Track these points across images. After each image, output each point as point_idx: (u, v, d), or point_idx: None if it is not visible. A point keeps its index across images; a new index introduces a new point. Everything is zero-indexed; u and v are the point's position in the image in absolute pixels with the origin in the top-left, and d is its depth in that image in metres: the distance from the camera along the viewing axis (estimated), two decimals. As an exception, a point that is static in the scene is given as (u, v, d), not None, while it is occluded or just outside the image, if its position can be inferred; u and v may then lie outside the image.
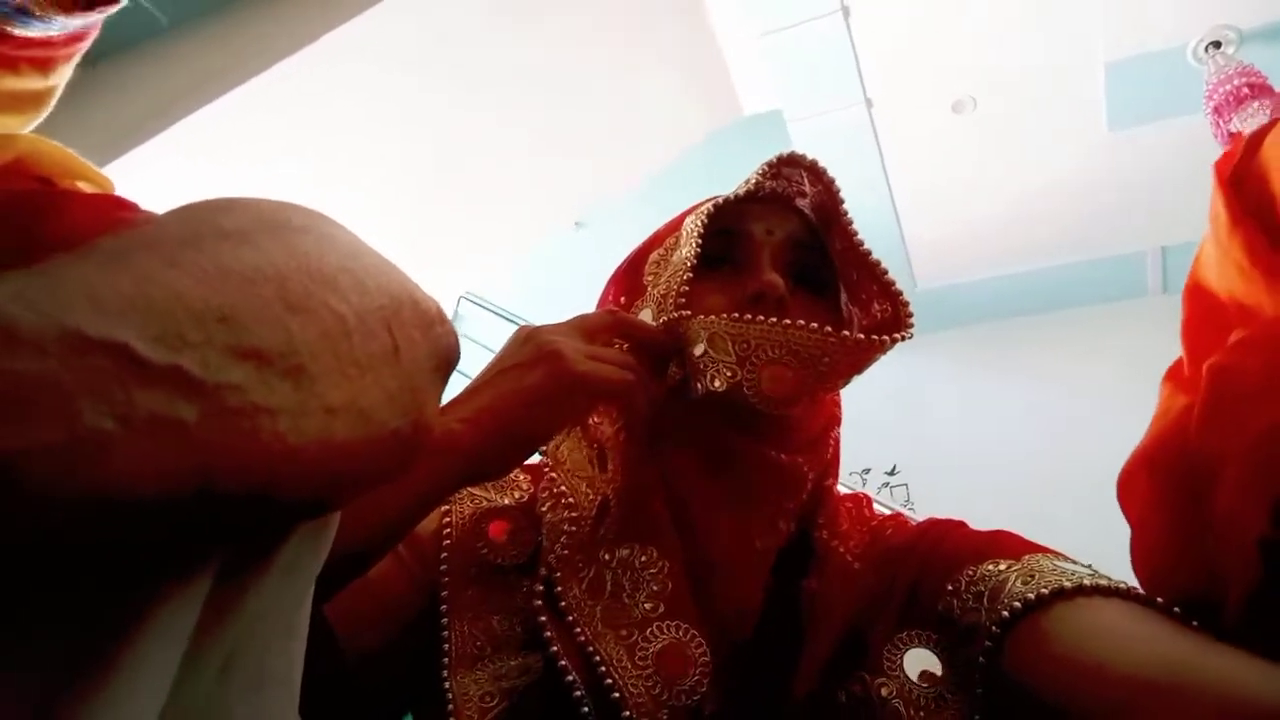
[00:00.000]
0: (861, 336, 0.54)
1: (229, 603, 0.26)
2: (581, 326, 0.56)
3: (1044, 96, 2.77)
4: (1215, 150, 2.30)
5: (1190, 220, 3.31)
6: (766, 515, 0.57)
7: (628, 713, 0.48)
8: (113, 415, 0.20)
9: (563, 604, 0.52)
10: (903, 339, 0.57)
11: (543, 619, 0.52)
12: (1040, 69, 2.67)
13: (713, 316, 0.56)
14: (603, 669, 0.50)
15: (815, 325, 0.54)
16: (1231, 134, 2.13)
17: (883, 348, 0.55)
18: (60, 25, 0.43)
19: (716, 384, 0.55)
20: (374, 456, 0.27)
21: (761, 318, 0.54)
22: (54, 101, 0.49)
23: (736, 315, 0.55)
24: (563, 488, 0.60)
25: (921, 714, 0.49)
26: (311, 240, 0.28)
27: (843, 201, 0.62)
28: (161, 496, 0.20)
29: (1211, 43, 2.35)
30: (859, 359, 0.55)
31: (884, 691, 0.50)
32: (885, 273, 0.61)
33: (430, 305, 0.32)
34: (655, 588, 0.54)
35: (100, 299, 0.21)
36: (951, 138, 2.98)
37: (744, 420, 0.57)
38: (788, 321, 0.54)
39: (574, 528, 0.56)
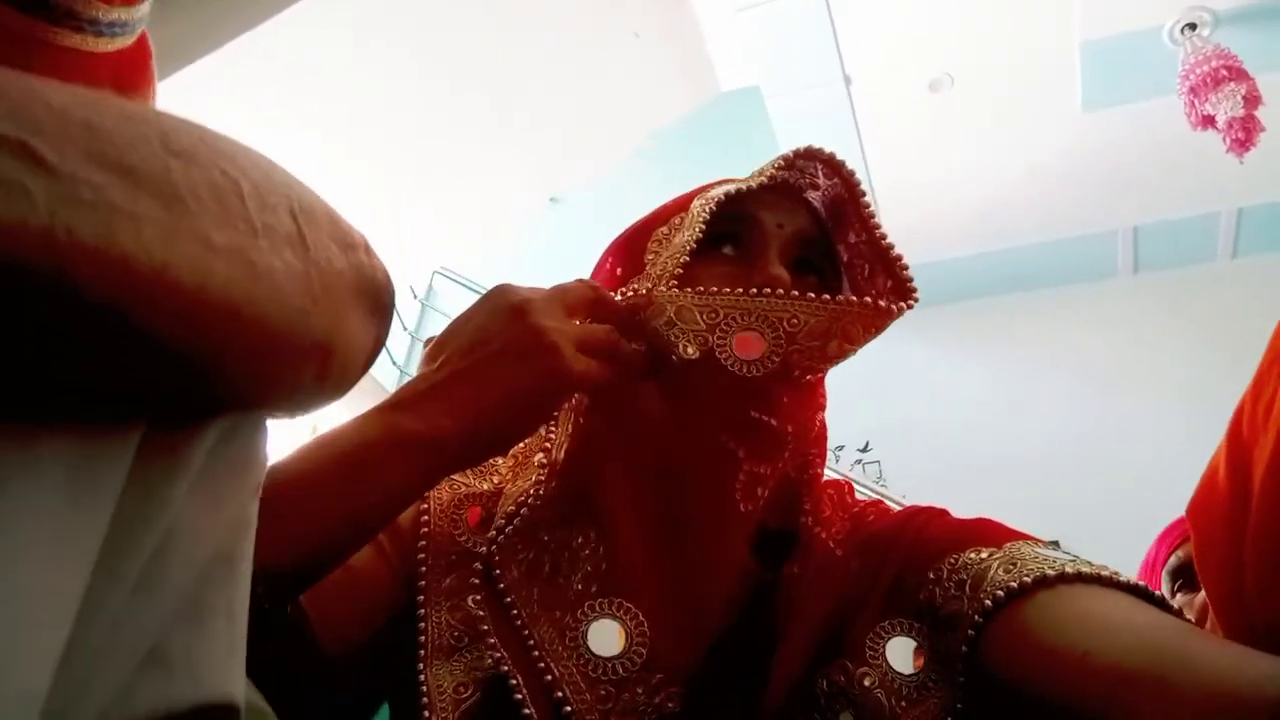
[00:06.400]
0: (827, 296, 0.52)
1: (138, 508, 0.25)
2: (563, 300, 0.54)
3: (1020, 76, 2.77)
4: (1186, 132, 2.32)
5: (1159, 201, 3.35)
6: (745, 479, 0.56)
7: (560, 693, 0.47)
8: None
9: (502, 585, 0.52)
10: (875, 307, 0.52)
11: (481, 613, 0.51)
12: (1017, 48, 2.67)
13: (675, 290, 0.55)
14: (536, 653, 0.49)
15: (781, 291, 0.53)
16: (1204, 116, 2.14)
17: (851, 310, 0.52)
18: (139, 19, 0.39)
19: (689, 351, 0.54)
20: (273, 337, 0.26)
21: (728, 290, 0.54)
22: None
23: (702, 289, 0.54)
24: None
25: (903, 703, 0.49)
26: (218, 135, 0.27)
27: (864, 194, 0.60)
28: (10, 264, 0.19)
29: (1187, 24, 2.36)
30: (834, 326, 0.52)
31: (866, 680, 0.50)
32: (905, 268, 0.58)
33: (355, 233, 0.31)
34: (589, 568, 0.53)
35: None
36: (928, 116, 2.98)
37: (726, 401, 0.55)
38: (754, 290, 0.53)
39: (517, 509, 0.55)
